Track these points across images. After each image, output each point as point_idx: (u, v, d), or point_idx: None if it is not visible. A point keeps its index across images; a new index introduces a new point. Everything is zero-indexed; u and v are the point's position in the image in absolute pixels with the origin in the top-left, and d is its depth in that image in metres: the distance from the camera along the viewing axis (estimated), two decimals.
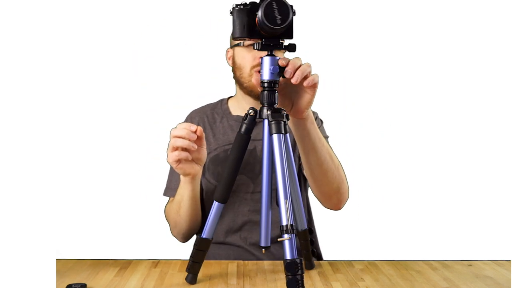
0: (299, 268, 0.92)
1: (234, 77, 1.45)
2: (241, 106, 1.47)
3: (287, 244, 0.93)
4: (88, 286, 1.10)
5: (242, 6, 1.03)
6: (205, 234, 1.11)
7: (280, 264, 1.25)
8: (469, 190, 2.45)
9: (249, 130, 1.08)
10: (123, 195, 2.39)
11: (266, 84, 1.05)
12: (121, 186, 2.39)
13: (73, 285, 1.08)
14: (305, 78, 1.06)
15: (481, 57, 2.47)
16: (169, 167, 1.49)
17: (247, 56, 1.38)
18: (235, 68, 1.43)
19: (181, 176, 1.25)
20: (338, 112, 2.30)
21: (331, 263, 1.27)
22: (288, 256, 0.93)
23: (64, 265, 1.22)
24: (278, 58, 1.05)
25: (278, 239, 0.94)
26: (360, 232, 2.41)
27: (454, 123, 2.50)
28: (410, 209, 2.46)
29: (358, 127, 2.45)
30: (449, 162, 2.50)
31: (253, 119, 1.07)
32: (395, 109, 2.50)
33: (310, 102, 1.10)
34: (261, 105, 1.06)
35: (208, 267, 1.21)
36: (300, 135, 1.18)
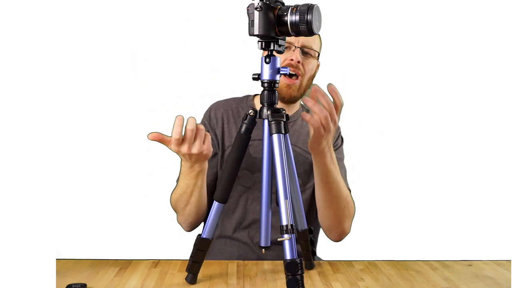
0: (299, 268, 0.92)
1: None
2: None
3: (287, 244, 0.93)
4: (88, 286, 1.10)
5: (268, 2, 1.01)
6: (205, 234, 1.11)
7: (280, 264, 1.25)
8: (469, 190, 2.45)
9: (249, 130, 1.08)
10: (123, 195, 2.39)
11: (266, 84, 1.05)
12: (121, 186, 2.38)
13: (73, 285, 1.08)
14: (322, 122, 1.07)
15: (481, 57, 2.46)
16: (175, 172, 1.46)
17: (280, 57, 1.38)
18: None
19: (191, 167, 1.21)
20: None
21: (331, 263, 1.27)
22: (288, 256, 0.93)
23: (64, 265, 1.22)
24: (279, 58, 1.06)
25: (278, 239, 0.94)
26: (360, 232, 2.40)
27: (454, 123, 2.50)
28: (410, 209, 2.46)
29: (358, 127, 2.44)
30: (449, 162, 2.49)
31: (253, 119, 1.07)
32: (395, 109, 2.49)
33: (317, 143, 1.12)
34: (261, 105, 1.06)
35: (208, 267, 1.21)
36: (314, 165, 1.20)
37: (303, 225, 1.16)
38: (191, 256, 1.12)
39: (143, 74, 2.43)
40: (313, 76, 1.41)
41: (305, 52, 1.36)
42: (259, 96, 1.50)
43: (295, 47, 1.35)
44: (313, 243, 1.21)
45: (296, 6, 1.01)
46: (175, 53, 2.43)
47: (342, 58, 2.42)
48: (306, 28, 1.00)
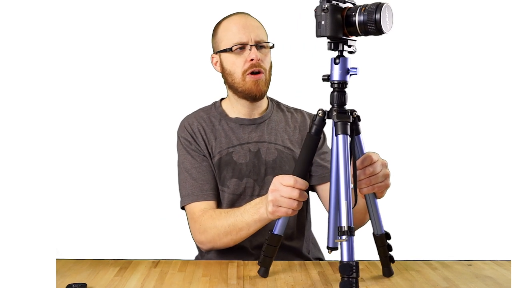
0: (354, 271, 0.92)
1: (225, 82, 1.44)
2: (236, 110, 1.45)
3: (344, 245, 0.93)
4: (88, 286, 1.10)
5: (336, 3, 1.01)
6: (276, 230, 1.12)
7: (280, 264, 1.25)
8: (469, 190, 2.45)
9: (319, 131, 1.08)
10: (123, 195, 2.39)
11: (336, 85, 1.05)
12: (121, 186, 2.38)
13: (73, 285, 1.08)
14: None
15: (482, 57, 2.46)
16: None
17: (237, 61, 1.38)
18: (225, 74, 1.42)
19: (266, 213, 1.15)
20: None
21: (331, 263, 1.27)
22: (345, 257, 0.93)
23: (64, 265, 1.22)
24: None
25: (336, 240, 0.95)
26: (359, 232, 2.40)
27: (454, 123, 2.50)
28: (410, 209, 2.45)
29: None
30: (449, 162, 2.49)
31: (322, 120, 1.08)
32: (396, 109, 2.49)
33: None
34: (331, 106, 1.06)
35: (208, 267, 1.21)
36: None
37: (379, 229, 1.15)
38: (262, 250, 1.14)
39: (143, 74, 2.43)
40: (271, 65, 1.43)
41: (260, 46, 1.38)
42: (226, 101, 1.48)
43: (250, 45, 1.37)
44: (391, 249, 1.20)
45: (365, 6, 1.01)
46: (175, 53, 2.43)
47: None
48: (375, 27, 1.00)
